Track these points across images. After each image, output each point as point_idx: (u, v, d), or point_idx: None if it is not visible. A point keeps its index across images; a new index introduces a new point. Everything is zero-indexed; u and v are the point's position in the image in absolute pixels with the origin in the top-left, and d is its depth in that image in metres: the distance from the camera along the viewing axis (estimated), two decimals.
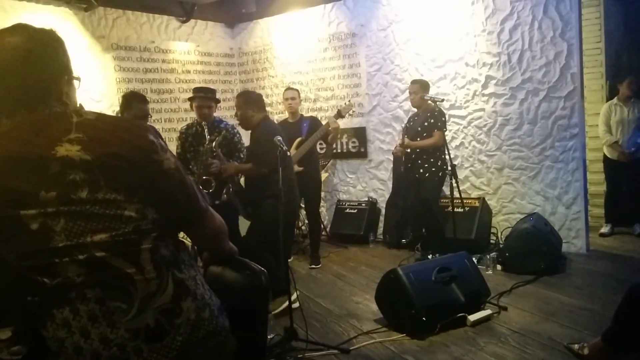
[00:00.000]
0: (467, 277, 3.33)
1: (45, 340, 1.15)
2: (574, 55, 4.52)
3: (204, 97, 3.93)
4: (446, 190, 4.45)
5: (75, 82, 1.30)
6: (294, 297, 3.27)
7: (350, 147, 5.88)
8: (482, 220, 4.81)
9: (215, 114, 4.07)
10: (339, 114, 4.75)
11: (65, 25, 4.79)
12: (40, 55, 1.20)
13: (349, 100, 5.52)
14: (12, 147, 1.13)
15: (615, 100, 5.17)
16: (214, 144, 3.81)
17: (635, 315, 2.36)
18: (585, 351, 2.58)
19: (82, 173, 1.10)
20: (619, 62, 5.82)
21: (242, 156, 4.02)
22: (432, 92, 4.85)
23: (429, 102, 4.34)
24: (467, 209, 4.63)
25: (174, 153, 1.86)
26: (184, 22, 5.94)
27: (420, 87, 4.50)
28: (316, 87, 6.04)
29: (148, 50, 5.61)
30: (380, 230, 5.67)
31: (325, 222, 5.92)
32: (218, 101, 4.10)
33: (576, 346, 2.66)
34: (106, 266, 1.11)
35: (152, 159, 1.20)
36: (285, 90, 4.98)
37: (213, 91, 4.07)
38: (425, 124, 4.48)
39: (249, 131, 3.77)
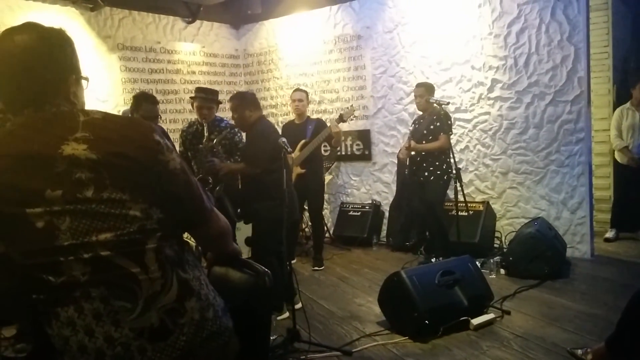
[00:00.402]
0: (470, 281, 3.32)
1: (50, 338, 1.15)
2: (581, 59, 4.51)
3: (204, 98, 3.94)
4: (450, 193, 4.44)
5: (84, 82, 1.30)
6: (295, 298, 3.30)
7: (354, 149, 5.87)
8: (486, 224, 4.79)
9: (219, 115, 4.08)
10: (341, 118, 4.76)
11: (72, 24, 4.81)
12: (49, 54, 1.20)
13: (351, 105, 5.51)
14: (19, 145, 1.13)
15: (628, 104, 5.13)
16: (214, 141, 3.82)
17: (639, 321, 2.34)
18: (589, 357, 2.56)
19: (88, 172, 1.11)
20: (627, 66, 5.79)
21: None
22: (438, 95, 4.85)
23: (435, 105, 4.34)
24: (471, 212, 4.62)
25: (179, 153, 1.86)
26: (189, 23, 5.96)
27: (425, 90, 4.49)
28: (321, 89, 6.04)
29: (154, 51, 5.63)
30: (384, 233, 5.65)
31: (328, 225, 5.92)
32: (219, 102, 4.11)
33: (579, 351, 2.64)
34: (111, 265, 1.11)
35: (158, 159, 1.20)
36: (294, 91, 4.97)
37: (215, 92, 4.08)
38: (431, 127, 4.47)
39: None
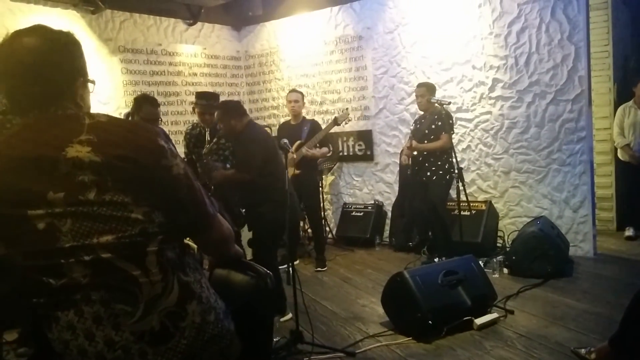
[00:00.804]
0: (473, 281, 3.32)
1: (50, 342, 1.16)
2: (582, 58, 4.50)
3: (205, 105, 3.94)
4: (453, 193, 4.44)
5: (90, 85, 1.31)
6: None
7: (356, 150, 5.87)
8: (489, 223, 4.79)
9: None
10: (335, 122, 4.82)
11: (73, 27, 4.69)
12: (57, 56, 1.21)
13: (346, 109, 5.54)
14: (24, 146, 1.13)
15: (630, 102, 5.13)
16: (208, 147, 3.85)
17: None
18: (593, 356, 2.56)
19: (90, 174, 1.11)
20: (627, 65, 5.79)
21: None
22: (439, 95, 4.85)
23: (436, 104, 4.34)
24: (473, 212, 4.62)
25: (182, 154, 1.86)
26: (190, 25, 5.97)
27: (426, 90, 4.50)
28: (322, 89, 6.05)
29: (155, 53, 5.64)
30: (387, 233, 5.66)
31: (331, 225, 5.92)
32: None
33: (583, 351, 2.64)
34: (112, 268, 1.11)
35: (161, 164, 1.19)
36: (289, 92, 4.99)
37: (216, 97, 4.08)
38: (433, 126, 4.47)
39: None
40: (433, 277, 3.20)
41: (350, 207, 5.85)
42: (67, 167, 1.10)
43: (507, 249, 4.59)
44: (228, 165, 3.90)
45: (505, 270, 4.22)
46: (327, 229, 5.77)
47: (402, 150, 4.96)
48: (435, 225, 4.60)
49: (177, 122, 5.77)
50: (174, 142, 1.52)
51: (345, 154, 5.95)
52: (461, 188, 4.08)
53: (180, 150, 4.26)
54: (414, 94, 4.79)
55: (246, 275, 1.48)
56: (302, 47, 6.12)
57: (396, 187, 5.56)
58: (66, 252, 1.09)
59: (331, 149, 4.95)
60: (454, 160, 4.19)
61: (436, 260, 4.41)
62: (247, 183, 3.45)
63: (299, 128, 4.78)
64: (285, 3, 6.14)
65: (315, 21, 6.01)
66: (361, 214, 5.72)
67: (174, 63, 5.82)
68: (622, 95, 5.38)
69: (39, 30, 1.22)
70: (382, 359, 2.88)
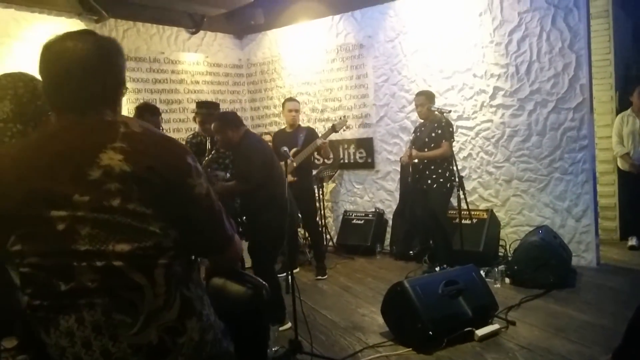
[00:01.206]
0: (474, 291, 3.29)
1: (47, 347, 1.15)
2: (583, 67, 4.49)
3: (206, 114, 3.96)
4: (454, 201, 4.42)
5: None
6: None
7: (357, 157, 5.87)
8: (490, 232, 4.76)
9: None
10: (333, 129, 4.84)
11: None
12: (107, 64, 1.23)
13: (344, 116, 5.55)
14: (58, 147, 1.15)
15: (628, 111, 5.11)
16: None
17: None
18: None
19: (118, 182, 1.12)
20: (629, 73, 5.77)
21: None
22: (440, 103, 4.84)
23: (436, 112, 4.33)
24: (475, 220, 4.59)
25: None
26: (193, 33, 6.00)
27: (425, 98, 4.49)
28: (324, 97, 6.06)
29: (157, 61, 5.66)
30: (387, 241, 5.63)
31: (332, 233, 5.91)
32: None
33: None
34: (121, 276, 1.11)
35: (186, 182, 1.20)
36: (288, 101, 4.98)
37: (216, 105, 4.11)
38: (433, 134, 4.46)
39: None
40: (433, 286, 3.18)
41: (351, 215, 5.83)
42: (98, 173, 1.12)
43: (509, 259, 4.55)
44: (228, 175, 3.91)
45: (507, 280, 4.18)
46: (328, 236, 5.75)
47: (401, 157, 4.96)
48: (436, 233, 4.58)
49: (179, 130, 5.78)
50: None
51: (346, 161, 5.94)
52: (462, 196, 4.06)
53: None
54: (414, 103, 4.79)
55: (242, 285, 1.47)
56: (304, 55, 6.14)
57: (397, 195, 5.54)
58: (80, 255, 1.10)
59: (331, 156, 4.95)
60: (455, 168, 4.18)
61: (437, 269, 4.38)
62: (247, 193, 3.45)
63: (295, 135, 4.79)
64: (286, 12, 6.17)
65: (316, 30, 6.02)
66: (362, 221, 5.70)
67: (176, 71, 5.84)
68: (624, 104, 5.36)
69: (89, 36, 1.24)
70: None
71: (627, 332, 2.41)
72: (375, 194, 5.82)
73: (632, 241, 5.10)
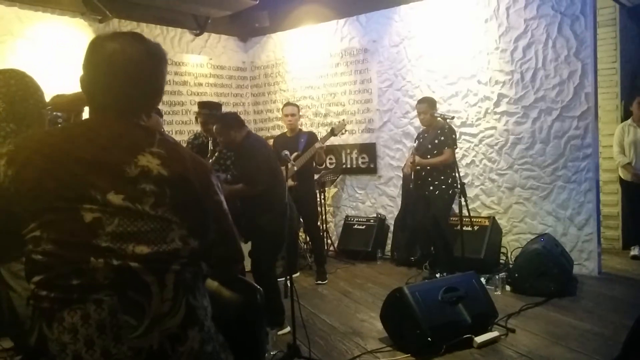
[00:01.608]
0: (474, 298, 3.27)
1: (48, 341, 1.13)
2: (589, 75, 4.47)
3: (208, 114, 3.94)
4: (456, 208, 4.40)
5: None
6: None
7: (360, 162, 5.85)
8: (492, 239, 4.73)
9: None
10: (332, 132, 4.83)
11: (80, 36, 4.86)
12: (153, 71, 1.25)
13: (343, 119, 5.52)
14: (101, 142, 1.16)
15: (629, 121, 5.10)
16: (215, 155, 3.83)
17: None
18: None
19: (153, 185, 1.14)
20: (635, 82, 5.75)
21: None
22: (444, 109, 4.83)
23: (439, 119, 4.32)
24: (476, 228, 4.57)
25: None
26: (197, 35, 6.01)
27: (428, 105, 4.47)
28: (327, 102, 6.05)
29: None
30: (389, 247, 5.61)
31: (333, 238, 5.89)
32: None
33: None
34: (134, 277, 1.11)
35: (213, 198, 1.25)
36: (286, 106, 4.98)
37: (218, 106, 4.09)
38: (436, 141, 4.45)
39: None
40: (433, 293, 3.16)
41: (353, 220, 5.81)
42: (136, 172, 1.13)
43: (510, 266, 4.53)
44: (229, 176, 3.89)
45: (508, 288, 4.16)
46: (329, 241, 5.74)
47: (404, 165, 4.94)
48: (438, 240, 4.56)
49: (181, 132, 5.78)
50: None
51: (349, 166, 5.93)
52: (464, 203, 4.04)
53: None
54: None
55: (236, 289, 1.46)
56: (308, 59, 6.14)
57: (399, 201, 5.52)
58: (99, 251, 1.09)
59: (324, 164, 4.94)
60: (457, 175, 4.16)
61: (438, 275, 4.36)
62: (252, 195, 3.44)
63: (296, 140, 4.79)
64: (291, 15, 6.18)
65: (321, 33, 6.03)
66: (363, 227, 5.68)
67: (179, 73, 5.85)
68: (628, 113, 5.34)
69: (141, 40, 1.25)
70: None
71: (627, 342, 2.38)
72: (377, 199, 5.80)
73: (635, 251, 5.07)
